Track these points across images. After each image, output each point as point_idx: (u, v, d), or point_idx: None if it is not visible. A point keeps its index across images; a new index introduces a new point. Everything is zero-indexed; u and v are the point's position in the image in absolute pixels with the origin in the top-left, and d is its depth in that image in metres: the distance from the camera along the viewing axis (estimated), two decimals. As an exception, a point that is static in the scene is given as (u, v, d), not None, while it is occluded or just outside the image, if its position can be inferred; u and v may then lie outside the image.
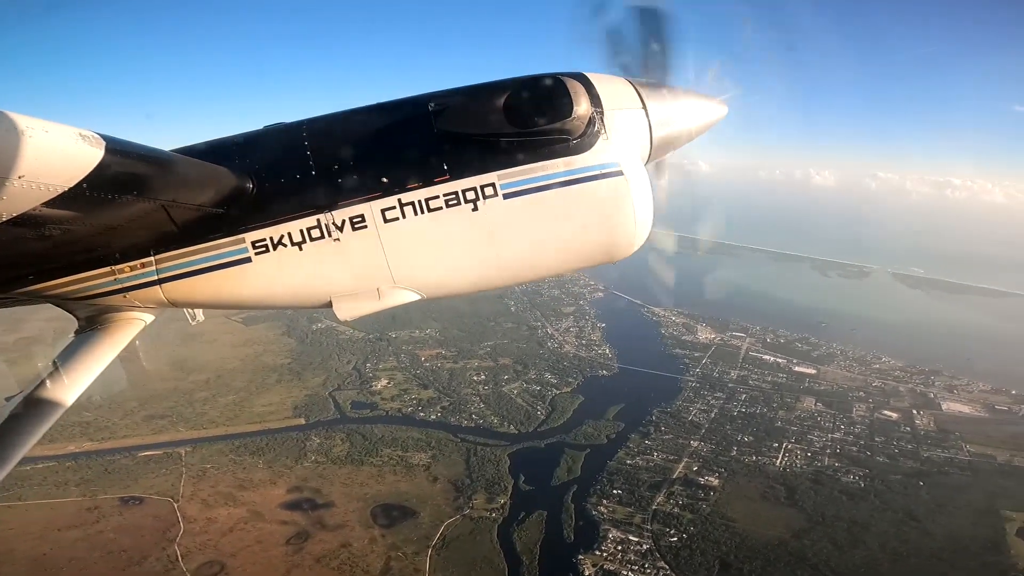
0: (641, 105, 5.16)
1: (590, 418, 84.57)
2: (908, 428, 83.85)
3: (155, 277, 4.80)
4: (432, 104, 4.84)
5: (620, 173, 4.82)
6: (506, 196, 4.71)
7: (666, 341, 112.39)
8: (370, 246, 4.73)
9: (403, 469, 72.97)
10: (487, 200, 4.70)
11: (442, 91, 5.03)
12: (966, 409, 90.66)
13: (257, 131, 5.12)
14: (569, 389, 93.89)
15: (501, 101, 4.70)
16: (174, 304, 5.04)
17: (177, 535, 61.69)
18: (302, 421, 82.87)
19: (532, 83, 4.81)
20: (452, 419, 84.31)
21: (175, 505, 65.96)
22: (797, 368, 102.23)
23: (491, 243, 4.80)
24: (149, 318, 5.49)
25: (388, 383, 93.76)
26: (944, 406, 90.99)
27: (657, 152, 5.41)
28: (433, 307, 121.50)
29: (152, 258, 4.76)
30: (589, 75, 5.03)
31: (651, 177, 5.17)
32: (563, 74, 4.86)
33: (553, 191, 4.74)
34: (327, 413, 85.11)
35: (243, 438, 78.45)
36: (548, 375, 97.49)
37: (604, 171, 4.80)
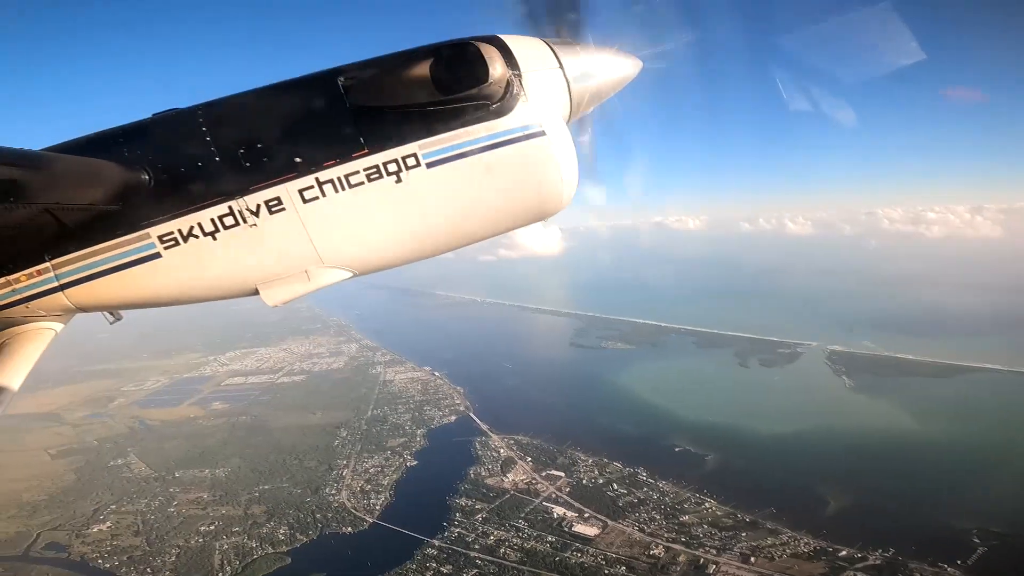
0: (558, 64, 5.00)
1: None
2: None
3: (56, 283, 4.56)
4: (342, 78, 4.61)
5: (542, 133, 4.73)
6: (429, 165, 4.58)
7: (461, 486, 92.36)
8: (291, 228, 4.54)
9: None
10: (410, 171, 4.57)
11: (350, 64, 4.78)
12: None
13: (145, 120, 4.75)
14: (286, 549, 79.61)
15: (415, 70, 4.49)
16: (83, 309, 4.82)
17: None
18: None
19: (445, 50, 4.56)
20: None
21: None
22: (576, 528, 78.51)
23: (419, 213, 4.68)
24: (58, 326, 5.05)
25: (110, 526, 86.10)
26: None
27: (577, 109, 5.25)
28: (249, 439, 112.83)
29: (48, 264, 4.52)
30: (504, 37, 4.84)
31: (574, 134, 5.10)
32: (476, 38, 4.68)
33: (477, 156, 4.62)
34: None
35: None
36: (282, 529, 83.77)
37: (526, 133, 4.69)
